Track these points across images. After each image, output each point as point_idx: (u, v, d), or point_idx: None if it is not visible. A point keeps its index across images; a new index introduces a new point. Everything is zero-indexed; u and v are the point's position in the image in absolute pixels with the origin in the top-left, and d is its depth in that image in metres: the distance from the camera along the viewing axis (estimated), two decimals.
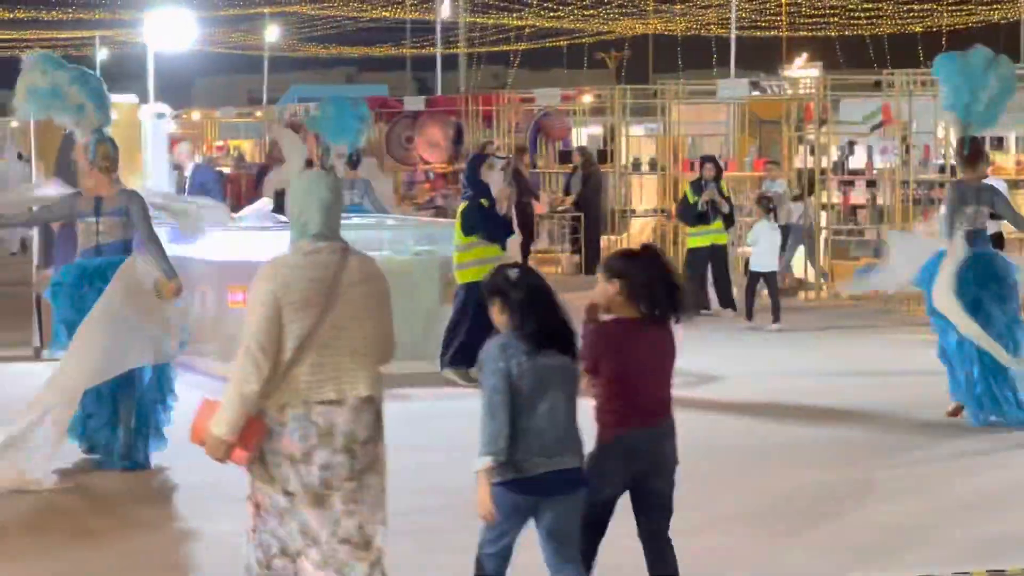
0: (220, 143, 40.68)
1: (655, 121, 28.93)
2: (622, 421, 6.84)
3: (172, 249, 15.50)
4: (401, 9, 68.25)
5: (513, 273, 6.67)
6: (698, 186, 19.65)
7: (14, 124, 54.16)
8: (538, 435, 6.48)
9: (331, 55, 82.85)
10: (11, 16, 72.22)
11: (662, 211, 25.13)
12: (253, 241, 15.07)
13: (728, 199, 19.84)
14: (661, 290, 6.84)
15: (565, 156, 27.02)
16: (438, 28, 43.56)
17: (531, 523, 6.69)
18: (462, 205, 14.70)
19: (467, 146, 28.84)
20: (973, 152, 12.75)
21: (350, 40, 79.35)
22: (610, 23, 66.60)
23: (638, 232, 26.60)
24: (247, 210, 16.62)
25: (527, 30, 65.20)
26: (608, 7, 64.14)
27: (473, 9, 59.57)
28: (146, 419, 11.08)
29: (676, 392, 7.15)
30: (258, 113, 41.09)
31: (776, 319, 18.68)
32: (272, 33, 63.68)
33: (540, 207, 26.14)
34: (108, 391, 10.90)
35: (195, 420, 6.68)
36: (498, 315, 6.64)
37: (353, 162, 18.22)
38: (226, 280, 14.73)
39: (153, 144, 16.93)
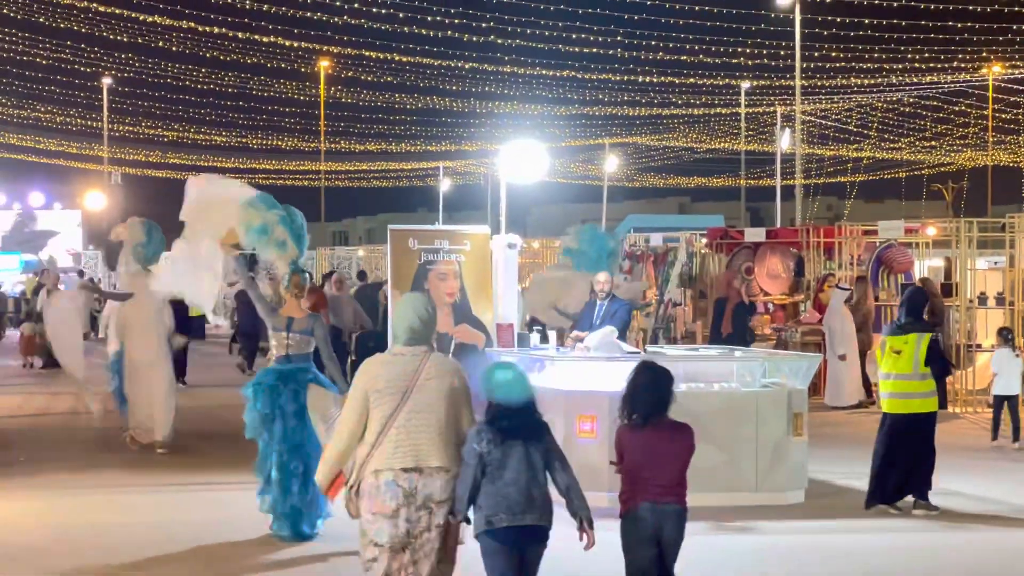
0: None
1: (999, 254, 28.25)
2: (631, 499, 8.73)
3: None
4: (737, 140, 68.59)
5: (500, 372, 8.33)
6: None
7: (361, 253, 55.95)
8: (504, 498, 8.05)
9: (666, 185, 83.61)
10: (362, 148, 75.17)
11: None
12: (600, 371, 15.24)
13: None
14: (636, 400, 8.73)
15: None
16: (778, 160, 43.53)
17: None
18: (928, 336, 14.62)
19: (807, 278, 28.67)
20: None
21: (686, 170, 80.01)
22: (951, 154, 65.59)
23: (983, 367, 25.93)
24: (590, 338, 16.83)
25: (864, 161, 64.60)
26: (949, 138, 63.27)
27: (811, 140, 59.44)
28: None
29: None
30: None
31: (1016, 438, 19.76)
32: (611, 163, 64.55)
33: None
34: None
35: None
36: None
37: None
38: (574, 410, 14.89)
39: (504, 273, 17.22)
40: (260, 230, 13.35)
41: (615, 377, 15.12)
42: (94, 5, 53.04)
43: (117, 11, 54.32)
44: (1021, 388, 20.49)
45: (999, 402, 20.35)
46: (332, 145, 76.02)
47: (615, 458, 8.91)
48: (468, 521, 8.20)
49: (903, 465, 14.56)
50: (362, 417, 8.21)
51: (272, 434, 12.98)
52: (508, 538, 8.09)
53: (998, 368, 20.29)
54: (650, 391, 8.74)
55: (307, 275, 13.51)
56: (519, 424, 8.18)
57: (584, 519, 8.19)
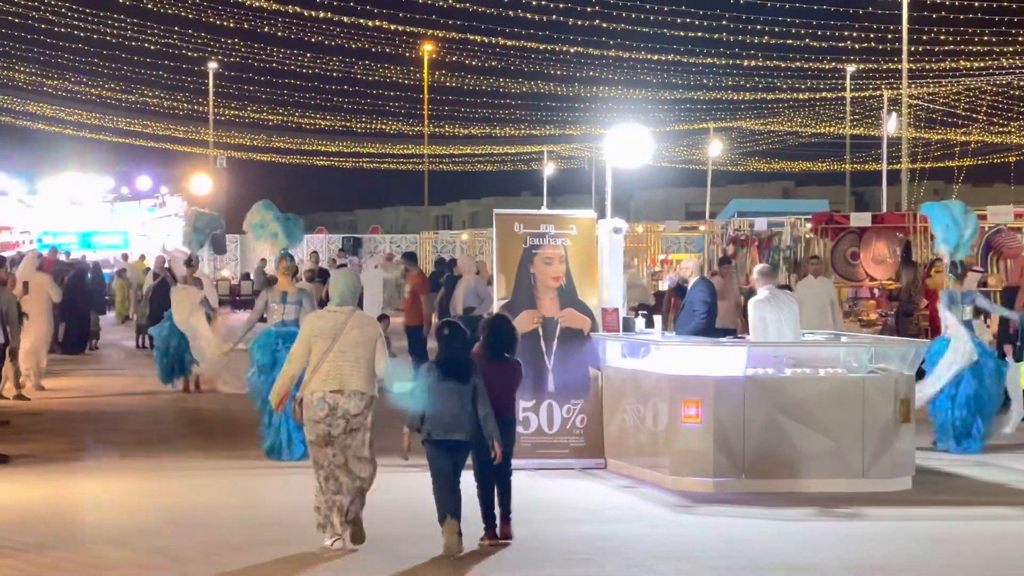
0: (663, 256, 41.09)
1: None
2: None
3: (629, 363, 15.87)
4: (842, 125, 67.93)
5: (446, 330, 11.88)
6: None
7: (464, 237, 55.93)
8: (440, 418, 11.57)
9: (770, 169, 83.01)
10: (466, 132, 75.30)
11: None
12: (705, 355, 15.17)
13: None
14: (492, 342, 12.17)
15: None
16: (884, 144, 43.05)
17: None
18: None
19: (917, 263, 28.31)
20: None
21: (790, 155, 79.38)
22: None
23: None
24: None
25: (972, 145, 63.68)
26: None
27: (917, 124, 58.75)
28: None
29: None
30: (701, 227, 41.40)
31: None
32: (715, 147, 64.16)
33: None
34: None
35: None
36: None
37: None
38: (678, 394, 14.80)
39: (610, 258, 17.09)
40: (259, 224, 17.86)
41: (720, 362, 15.09)
42: None
43: None
44: None
45: None
46: (436, 129, 76.21)
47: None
48: (419, 431, 11.62)
49: None
50: (306, 354, 11.78)
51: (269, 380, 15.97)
52: (441, 446, 11.61)
53: None
54: (508, 337, 12.26)
55: (292, 258, 17.77)
56: (454, 367, 11.66)
57: (495, 439, 11.60)
